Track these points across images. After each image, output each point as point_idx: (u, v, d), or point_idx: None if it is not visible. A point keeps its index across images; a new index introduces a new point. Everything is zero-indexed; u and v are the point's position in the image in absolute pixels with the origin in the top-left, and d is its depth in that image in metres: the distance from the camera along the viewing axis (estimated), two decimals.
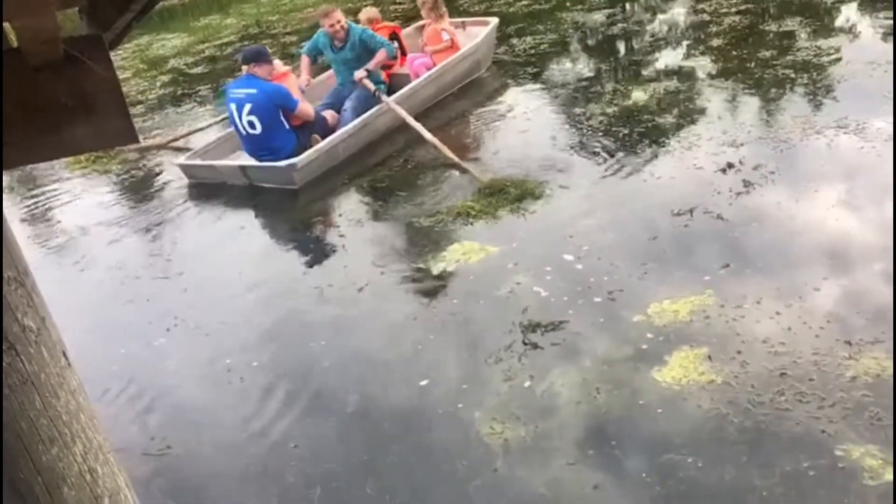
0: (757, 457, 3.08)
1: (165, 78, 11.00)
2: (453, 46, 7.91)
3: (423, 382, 3.85)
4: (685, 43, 8.09)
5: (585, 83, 7.46)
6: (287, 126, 6.51)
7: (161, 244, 5.98)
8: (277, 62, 6.90)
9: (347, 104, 7.07)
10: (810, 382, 3.38)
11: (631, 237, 4.75)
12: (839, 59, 6.75)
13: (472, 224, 5.34)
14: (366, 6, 8.85)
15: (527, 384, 3.69)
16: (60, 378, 1.59)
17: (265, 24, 13.43)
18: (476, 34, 8.12)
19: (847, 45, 7.08)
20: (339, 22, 7.20)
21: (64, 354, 1.63)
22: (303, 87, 7.18)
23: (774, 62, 6.93)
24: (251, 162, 6.57)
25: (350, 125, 6.75)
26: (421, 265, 4.95)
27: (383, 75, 7.47)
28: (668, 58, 7.71)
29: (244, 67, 6.62)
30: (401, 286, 4.76)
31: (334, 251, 5.40)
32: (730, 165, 5.29)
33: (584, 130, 6.41)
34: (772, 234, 4.52)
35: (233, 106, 6.51)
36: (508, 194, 5.52)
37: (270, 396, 4.01)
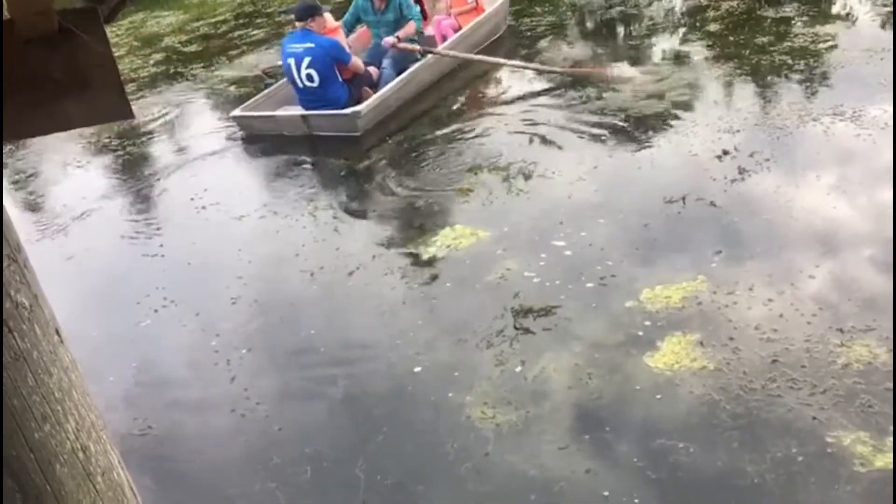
0: (748, 443, 3.09)
1: (159, 56, 10.91)
2: (478, 8, 8.25)
3: (413, 367, 3.85)
4: (682, 28, 8.05)
5: (558, 84, 7.40)
6: (340, 79, 6.87)
7: (150, 216, 5.96)
8: (328, 16, 7.12)
9: (386, 61, 7.41)
10: (802, 369, 3.40)
11: (623, 223, 4.75)
12: (836, 46, 6.73)
13: (466, 204, 5.35)
14: None
15: (518, 369, 3.69)
16: (53, 355, 1.58)
17: (261, 2, 13.31)
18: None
19: (844, 31, 7.06)
20: None
21: (57, 331, 1.62)
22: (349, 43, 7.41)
23: (771, 48, 6.91)
24: (312, 112, 6.86)
25: (400, 77, 7.17)
26: (412, 249, 4.94)
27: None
28: (665, 42, 7.69)
29: (298, 24, 6.89)
30: (391, 270, 4.74)
31: (328, 232, 5.38)
32: (725, 152, 5.28)
33: (580, 115, 6.39)
34: (765, 220, 4.52)
35: (291, 60, 6.78)
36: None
37: (257, 379, 4.02)
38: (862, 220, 4.43)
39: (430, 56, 7.40)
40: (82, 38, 1.61)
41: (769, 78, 6.42)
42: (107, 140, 7.73)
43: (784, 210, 4.60)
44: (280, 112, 7.09)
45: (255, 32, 11.36)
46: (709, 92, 6.35)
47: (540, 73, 7.29)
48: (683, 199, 4.83)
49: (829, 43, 6.79)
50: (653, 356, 3.60)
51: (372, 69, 7.36)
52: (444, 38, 7.95)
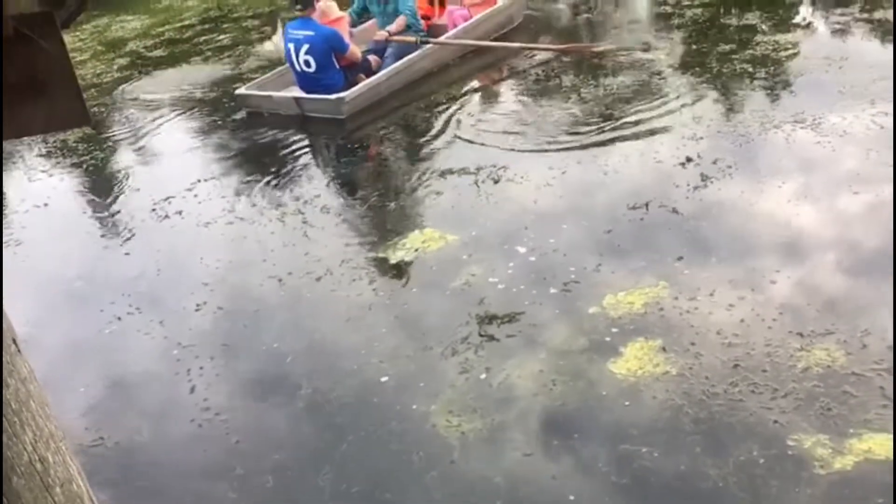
0: (711, 447, 3.13)
1: (123, 61, 10.77)
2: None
3: (378, 375, 3.85)
4: (648, 35, 8.12)
5: (547, 73, 7.47)
6: (337, 66, 7.27)
7: (116, 222, 5.90)
8: (333, 5, 7.49)
9: (389, 51, 7.76)
10: (763, 374, 3.44)
11: (588, 229, 4.79)
12: (796, 55, 6.85)
13: (435, 207, 5.39)
14: None
15: (483, 376, 3.71)
16: (10, 366, 1.55)
17: (227, 6, 13.22)
18: None
19: (804, 40, 7.19)
20: None
21: (14, 341, 1.59)
22: (352, 32, 7.79)
23: (734, 56, 7.01)
24: (303, 95, 7.35)
25: (393, 66, 7.55)
26: (381, 253, 4.94)
27: (423, 24, 8.08)
28: (631, 50, 7.74)
29: (298, 11, 7.28)
30: (359, 275, 4.73)
31: (297, 237, 5.36)
32: (689, 159, 5.34)
33: (547, 121, 6.43)
34: (727, 227, 4.59)
35: (291, 45, 7.20)
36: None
37: (218, 388, 3.98)
38: (822, 225, 4.51)
39: (427, 45, 7.75)
40: (39, 43, 1.59)
41: (732, 85, 6.51)
42: (73, 144, 7.62)
43: (746, 216, 4.66)
44: (276, 93, 7.54)
45: (221, 37, 11.27)
46: (673, 99, 6.42)
47: (531, 52, 7.80)
48: (647, 205, 4.88)
49: (790, 51, 6.91)
50: (616, 362, 3.63)
51: (373, 58, 7.71)
52: (456, 27, 8.30)
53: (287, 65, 7.57)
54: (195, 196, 6.14)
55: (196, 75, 9.47)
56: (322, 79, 7.21)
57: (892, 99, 5.61)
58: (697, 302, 3.95)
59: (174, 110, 8.37)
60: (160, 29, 12.42)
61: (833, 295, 3.90)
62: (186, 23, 12.52)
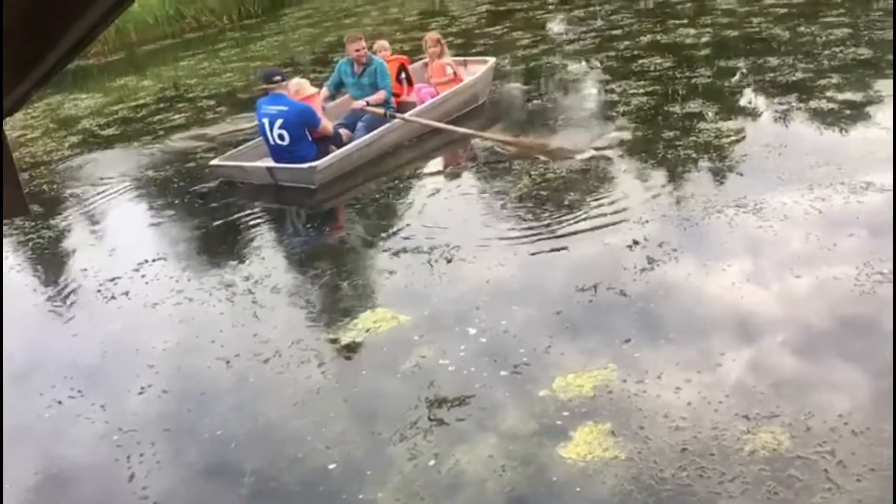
0: None
1: (75, 138, 10.76)
2: (456, 78, 8.98)
3: (325, 462, 3.77)
4: (595, 121, 8.35)
5: (501, 158, 7.61)
6: (310, 139, 7.61)
7: (62, 302, 5.78)
8: (305, 83, 7.96)
9: (360, 124, 8.17)
10: (710, 457, 3.45)
11: (538, 310, 4.81)
12: (738, 141, 7.07)
13: (388, 286, 5.41)
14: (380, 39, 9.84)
15: (432, 462, 3.65)
16: None
17: (183, 87, 13.33)
18: (475, 71, 9.33)
19: (745, 127, 7.43)
20: (364, 48, 8.38)
21: None
22: (324, 106, 8.19)
23: (678, 142, 7.23)
24: (276, 164, 7.61)
25: (364, 138, 7.90)
26: (331, 334, 4.91)
27: (393, 101, 8.53)
28: (579, 135, 7.93)
29: (267, 87, 7.60)
30: (308, 357, 4.69)
31: (247, 317, 5.31)
32: (635, 242, 5.44)
33: (498, 204, 6.54)
34: (673, 309, 4.65)
35: (265, 120, 7.51)
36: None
37: (159, 476, 3.86)
38: (766, 308, 4.59)
39: (395, 120, 8.12)
40: None
41: (676, 171, 6.70)
42: (20, 222, 7.52)
43: (692, 298, 4.73)
44: (249, 163, 7.83)
45: (175, 117, 11.33)
46: (621, 183, 6.56)
47: (488, 141, 8.02)
48: (595, 287, 4.94)
49: (732, 138, 7.14)
50: (566, 446, 3.61)
51: (344, 131, 8.12)
52: (423, 103, 8.63)
53: (260, 138, 7.84)
54: (143, 276, 6.07)
55: (148, 154, 9.48)
56: (295, 151, 7.50)
57: (829, 184, 5.81)
58: (645, 385, 3.97)
59: (124, 189, 8.36)
60: (114, 107, 12.46)
61: (778, 377, 3.94)
62: (141, 102, 12.58)
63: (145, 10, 18.29)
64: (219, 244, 6.65)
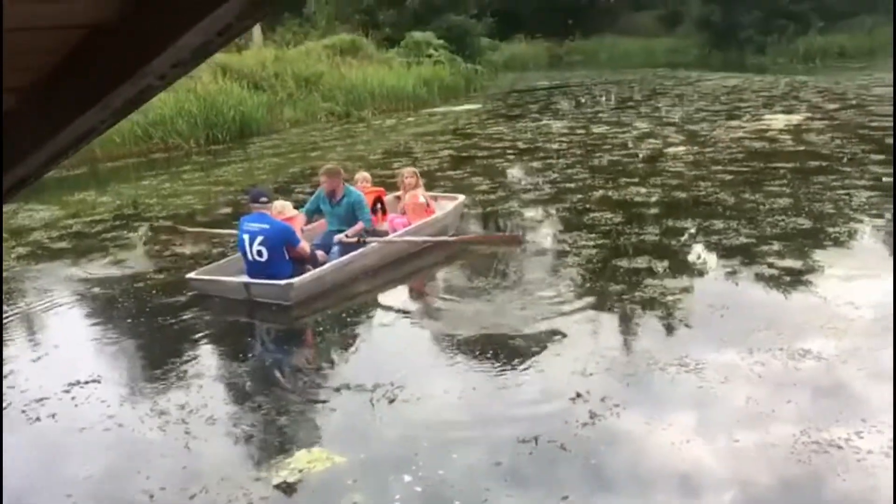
0: None
1: (23, 250, 10.60)
2: (429, 209, 9.47)
3: None
4: (544, 273, 8.45)
5: (448, 305, 7.67)
6: (287, 258, 7.81)
7: None
8: (288, 205, 8.57)
9: (335, 247, 8.55)
10: None
11: (476, 460, 4.74)
12: (682, 300, 7.22)
13: (327, 425, 5.34)
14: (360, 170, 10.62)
15: None
16: None
17: (142, 205, 13.34)
18: (446, 206, 9.93)
19: (690, 286, 7.61)
20: (339, 185, 8.83)
21: None
22: (303, 229, 8.54)
23: (625, 296, 7.36)
24: (253, 280, 7.75)
25: (339, 260, 8.26)
26: (263, 473, 4.77)
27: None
28: (527, 285, 8.03)
29: (253, 206, 7.88)
30: (236, 496, 4.51)
31: (178, 447, 5.14)
32: (578, 395, 5.44)
33: (442, 349, 6.55)
34: (613, 465, 4.62)
35: (245, 236, 7.73)
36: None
37: None
38: (706, 469, 4.59)
39: (371, 244, 8.49)
40: None
41: (622, 324, 6.80)
42: None
43: (632, 456, 4.71)
44: (226, 278, 7.95)
45: (129, 235, 11.29)
46: (566, 335, 6.59)
47: (455, 245, 9.04)
48: (536, 439, 4.89)
49: (677, 296, 7.29)
50: None
51: (320, 253, 8.42)
52: (396, 231, 9.12)
53: (238, 253, 8.03)
54: (73, 398, 5.88)
55: (96, 271, 9.37)
56: (271, 268, 7.68)
57: (768, 349, 5.93)
58: None
59: (67, 304, 8.23)
60: (69, 221, 12.38)
61: None
62: (97, 217, 12.53)
63: (113, 128, 18.46)
64: (159, 366, 6.50)
